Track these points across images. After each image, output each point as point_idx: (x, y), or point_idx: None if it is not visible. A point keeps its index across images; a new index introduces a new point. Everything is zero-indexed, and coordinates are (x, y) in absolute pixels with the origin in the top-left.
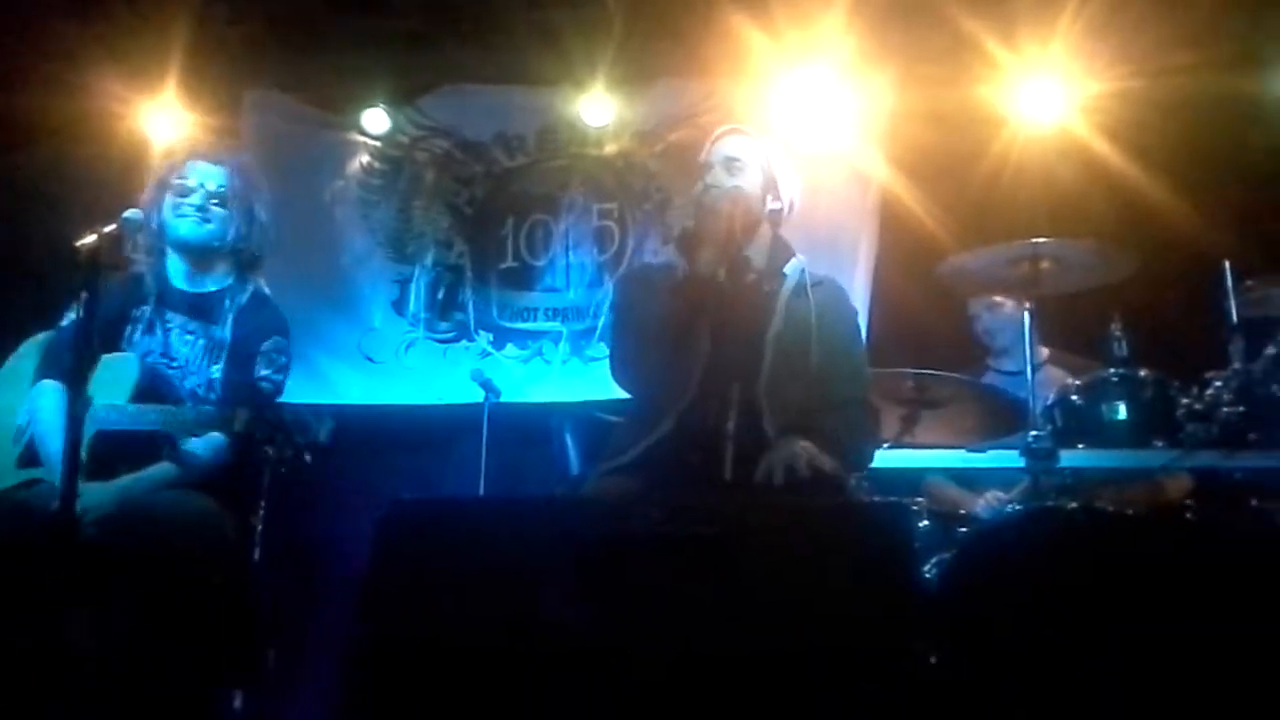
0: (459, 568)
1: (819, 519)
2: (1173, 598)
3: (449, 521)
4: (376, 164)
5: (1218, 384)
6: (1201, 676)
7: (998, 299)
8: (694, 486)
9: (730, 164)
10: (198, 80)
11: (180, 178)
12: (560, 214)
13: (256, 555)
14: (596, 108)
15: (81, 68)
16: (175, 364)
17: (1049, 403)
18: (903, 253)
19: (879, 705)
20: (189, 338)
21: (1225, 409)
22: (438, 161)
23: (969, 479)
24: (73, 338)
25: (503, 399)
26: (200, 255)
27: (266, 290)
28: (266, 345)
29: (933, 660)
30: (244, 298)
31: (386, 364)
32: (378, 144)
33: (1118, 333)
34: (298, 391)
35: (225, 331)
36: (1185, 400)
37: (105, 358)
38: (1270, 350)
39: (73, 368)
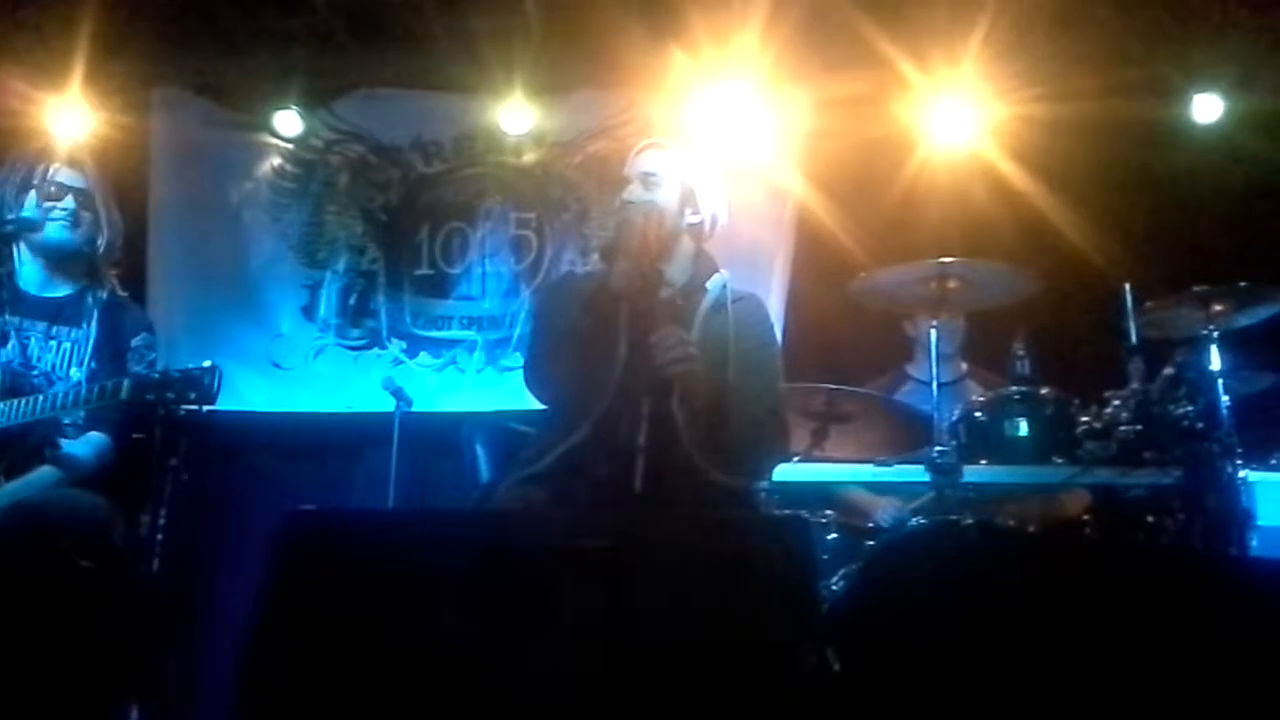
0: (355, 580)
1: (718, 533)
2: (1065, 613)
3: (346, 533)
4: (288, 167)
5: (1116, 403)
6: (1092, 690)
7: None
8: (602, 498)
9: (647, 179)
10: (104, 78)
11: (46, 181)
12: (477, 222)
13: (156, 564)
14: (515, 116)
15: None
16: (36, 372)
17: (954, 418)
18: (818, 267)
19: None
20: (50, 344)
21: (1123, 428)
22: (352, 165)
23: (879, 489)
24: None
25: (415, 408)
26: (63, 260)
27: (122, 292)
28: (136, 341)
29: (836, 668)
30: (104, 295)
31: (295, 371)
32: (290, 146)
33: (1020, 351)
34: None
35: (89, 331)
36: (1084, 418)
37: None
38: (1167, 371)
39: None
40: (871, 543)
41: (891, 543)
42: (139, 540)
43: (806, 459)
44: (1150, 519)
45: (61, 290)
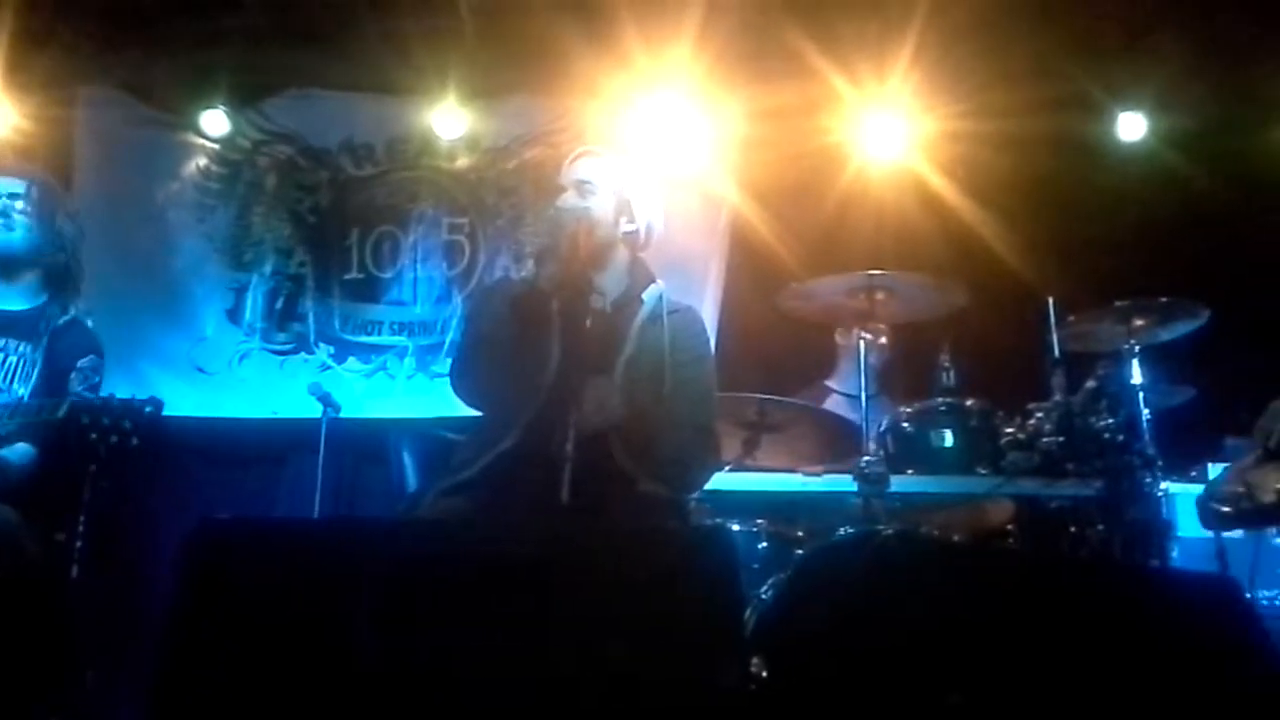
0: (269, 592)
1: (644, 544)
2: (984, 622)
3: (259, 543)
4: (214, 167)
5: (1039, 415)
6: (1011, 698)
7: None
8: (529, 508)
9: (582, 186)
10: (28, 76)
11: None
12: (409, 226)
13: (75, 572)
14: (448, 120)
15: None
16: None
17: (882, 429)
18: (752, 277)
19: None
20: None
21: (1045, 439)
22: (280, 167)
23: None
24: None
25: (343, 414)
26: (8, 266)
27: (88, 321)
28: (83, 363)
29: (763, 675)
30: (61, 320)
31: (219, 375)
32: (216, 147)
33: (946, 363)
34: None
35: (39, 352)
36: (1009, 430)
37: None
38: (1089, 384)
39: None
40: (800, 551)
41: (817, 552)
42: (58, 549)
43: (738, 468)
44: (1073, 529)
45: (13, 302)
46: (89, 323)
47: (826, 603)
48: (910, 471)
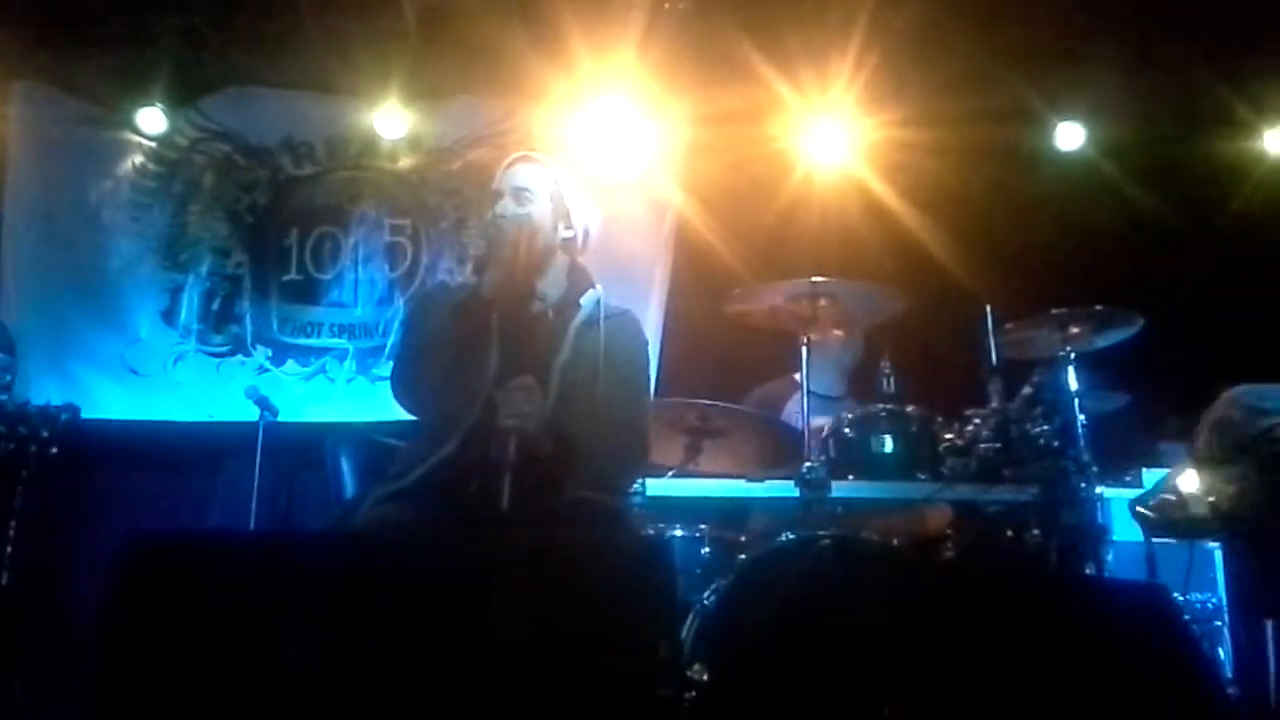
0: (199, 605)
1: (581, 555)
2: (920, 628)
3: (189, 555)
4: (150, 165)
5: (977, 421)
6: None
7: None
8: (468, 516)
9: (519, 193)
10: None
11: None
12: (350, 227)
13: (5, 579)
14: (391, 121)
15: None
16: None
17: (824, 435)
18: (699, 281)
19: None
20: None
21: (983, 445)
22: (218, 166)
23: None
24: None
25: (280, 418)
26: None
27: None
28: None
29: (704, 679)
30: None
31: (153, 377)
32: (153, 145)
33: (887, 369)
34: None
35: None
36: (947, 436)
37: None
38: (1026, 391)
39: None
40: (743, 557)
41: (758, 558)
42: None
43: (681, 473)
44: (1009, 534)
45: None
46: (1, 320)
47: (766, 609)
48: (851, 477)
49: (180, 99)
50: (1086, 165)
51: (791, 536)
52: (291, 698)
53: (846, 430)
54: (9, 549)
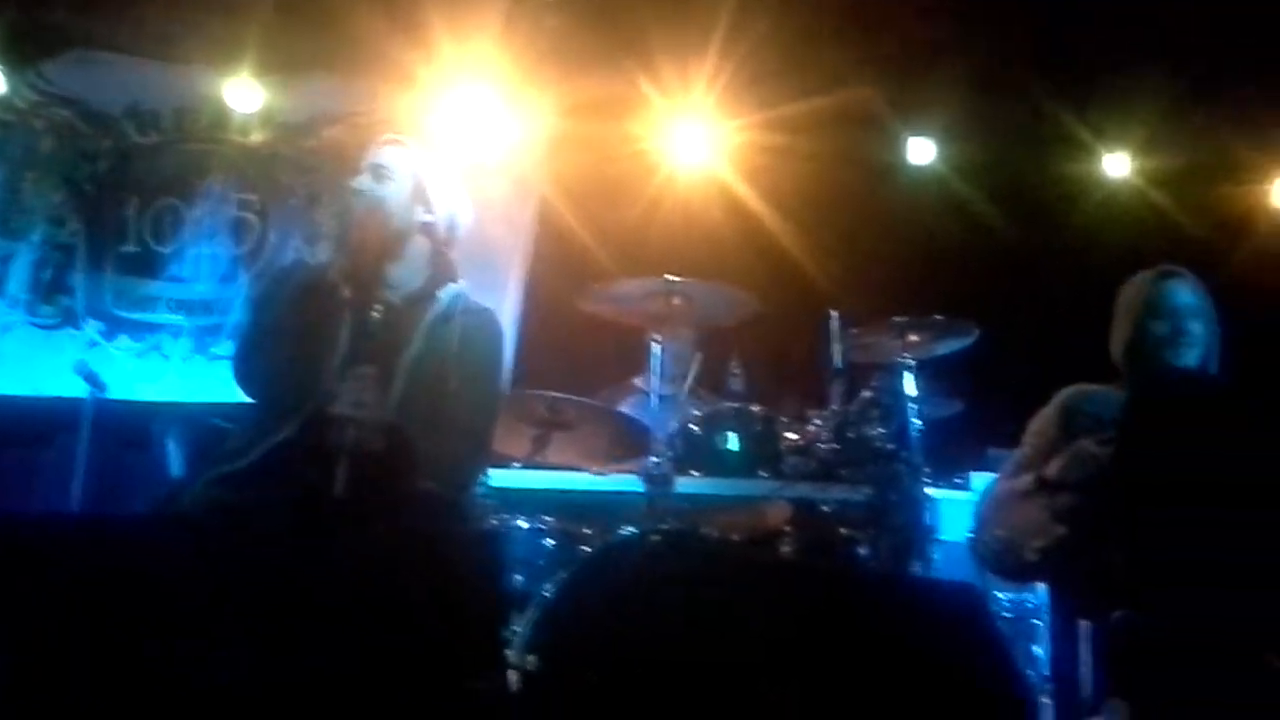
0: (12, 588)
1: (405, 546)
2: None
3: (6, 536)
4: None
5: (818, 422)
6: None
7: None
8: (300, 503)
9: (379, 171)
10: None
11: None
12: (194, 200)
13: None
14: (242, 93)
15: None
16: None
17: (671, 431)
18: (559, 274)
19: None
20: None
21: (822, 445)
22: (58, 131)
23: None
24: None
25: (110, 395)
26: None
27: None
28: None
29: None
30: None
31: None
32: None
33: (736, 369)
34: None
35: None
36: (789, 435)
37: None
38: (865, 394)
39: None
40: (586, 549)
41: (596, 552)
42: None
43: (528, 465)
44: (844, 531)
45: None
46: None
47: (599, 602)
48: (695, 473)
49: (19, 61)
50: (936, 180)
51: (629, 530)
52: (108, 683)
53: (693, 427)
54: None
